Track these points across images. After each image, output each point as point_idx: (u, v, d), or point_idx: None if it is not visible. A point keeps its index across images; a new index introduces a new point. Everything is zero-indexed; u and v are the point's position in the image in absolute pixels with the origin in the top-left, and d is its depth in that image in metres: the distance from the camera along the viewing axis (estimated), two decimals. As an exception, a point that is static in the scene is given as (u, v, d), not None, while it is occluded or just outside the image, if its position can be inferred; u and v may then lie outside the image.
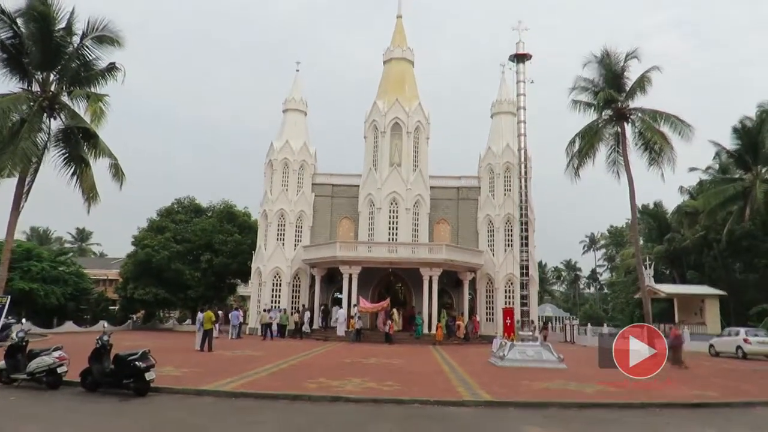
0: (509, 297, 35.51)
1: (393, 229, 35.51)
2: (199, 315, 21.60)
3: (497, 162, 37.20)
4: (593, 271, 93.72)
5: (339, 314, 31.69)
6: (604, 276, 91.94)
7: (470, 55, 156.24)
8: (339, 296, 34.26)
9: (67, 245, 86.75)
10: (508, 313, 19.26)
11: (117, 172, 23.34)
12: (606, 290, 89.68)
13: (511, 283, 35.54)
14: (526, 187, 19.68)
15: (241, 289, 51.34)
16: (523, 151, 19.73)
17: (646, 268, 39.66)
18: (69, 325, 33.22)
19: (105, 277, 57.84)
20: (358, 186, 37.41)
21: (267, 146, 38.56)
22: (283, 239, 37.00)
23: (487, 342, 32.81)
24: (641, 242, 57.28)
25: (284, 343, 28.20)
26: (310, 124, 41.18)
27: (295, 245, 36.95)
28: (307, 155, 38.47)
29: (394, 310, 31.92)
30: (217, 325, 30.45)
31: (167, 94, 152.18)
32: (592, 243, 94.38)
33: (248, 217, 43.06)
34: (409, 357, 20.63)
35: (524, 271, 19.21)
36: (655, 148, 29.05)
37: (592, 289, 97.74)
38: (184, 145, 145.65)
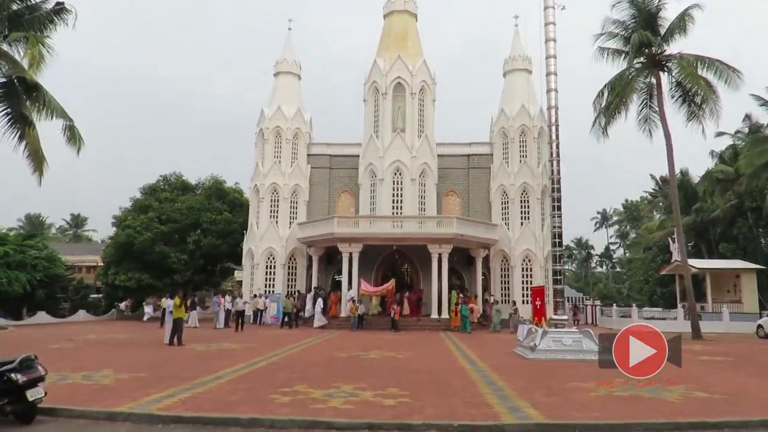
0: (527, 276, 32.01)
1: (397, 202, 31.91)
2: (168, 302, 18.13)
3: (511, 125, 33.36)
4: (607, 249, 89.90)
5: (318, 302, 28.08)
6: (617, 254, 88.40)
7: (479, 24, 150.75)
8: (339, 278, 30.90)
9: (65, 233, 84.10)
10: (538, 293, 15.77)
11: (72, 136, 19.87)
12: (618, 269, 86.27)
13: (529, 261, 32.02)
14: (557, 137, 16.01)
15: (240, 274, 48.09)
16: (554, 94, 16.04)
17: (673, 242, 36.13)
18: (41, 316, 30.02)
19: (95, 263, 54.89)
20: (358, 156, 33.75)
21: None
22: (277, 216, 33.52)
23: (503, 327, 29.53)
24: (663, 216, 53.56)
25: (277, 332, 24.93)
26: (308, 100, 37.50)
27: (290, 223, 33.47)
28: (302, 122, 34.77)
29: (372, 295, 28.60)
30: (194, 313, 27.37)
31: (166, 76, 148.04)
32: (604, 219, 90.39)
33: (240, 194, 39.58)
34: (417, 348, 17.24)
35: (557, 241, 15.64)
36: (696, 99, 25.38)
37: (604, 268, 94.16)
38: (186, 125, 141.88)
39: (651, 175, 65.41)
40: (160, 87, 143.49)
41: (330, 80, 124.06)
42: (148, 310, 33.80)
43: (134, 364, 12.56)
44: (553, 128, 15.97)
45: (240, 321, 25.36)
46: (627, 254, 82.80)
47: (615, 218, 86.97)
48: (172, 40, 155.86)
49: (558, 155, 15.96)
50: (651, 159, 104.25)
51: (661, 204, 61.90)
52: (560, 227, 15.74)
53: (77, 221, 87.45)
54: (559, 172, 15.91)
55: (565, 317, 15.14)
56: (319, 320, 26.93)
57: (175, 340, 17.15)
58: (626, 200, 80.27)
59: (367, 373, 11.34)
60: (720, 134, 42.62)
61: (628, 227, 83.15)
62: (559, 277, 15.50)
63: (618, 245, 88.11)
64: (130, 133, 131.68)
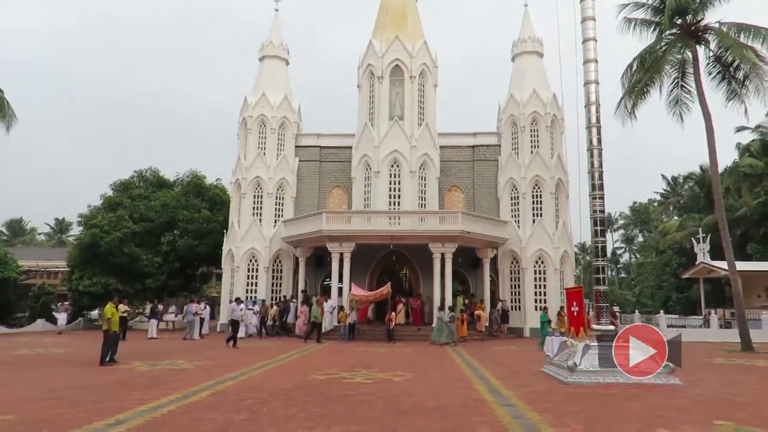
0: (539, 280, 28.51)
1: (394, 197, 28.43)
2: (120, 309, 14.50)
3: (521, 113, 29.94)
4: (613, 254, 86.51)
5: (241, 310, 23.57)
6: (623, 258, 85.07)
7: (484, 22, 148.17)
8: (329, 283, 27.39)
9: (52, 238, 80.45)
10: (574, 296, 12.22)
11: (1, 108, 16.66)
12: (623, 274, 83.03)
13: (542, 262, 28.52)
14: (597, 99, 12.55)
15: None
16: (593, 52, 12.62)
17: (699, 242, 32.80)
18: (-8, 326, 26.47)
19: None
20: (350, 148, 30.29)
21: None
22: (261, 214, 30.01)
23: (515, 336, 26.20)
24: (683, 216, 49.96)
25: (253, 344, 21.37)
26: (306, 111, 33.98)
27: (275, 221, 29.97)
28: (289, 111, 31.34)
29: (364, 300, 24.82)
30: (153, 322, 23.77)
31: (159, 84, 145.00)
32: (609, 224, 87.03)
33: (222, 192, 36.04)
34: (418, 366, 13.66)
35: (598, 229, 12.13)
36: (738, 75, 22.06)
37: (609, 273, 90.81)
38: (178, 129, 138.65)
39: (662, 175, 62.04)
40: (162, 96, 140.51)
41: (324, 82, 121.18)
42: (60, 319, 28.54)
43: (26, 395, 9.01)
44: (592, 86, 12.51)
45: (234, 334, 19.63)
46: (634, 259, 79.65)
47: (621, 222, 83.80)
48: (161, 46, 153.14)
49: (598, 121, 12.49)
50: (655, 160, 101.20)
51: (671, 207, 58.47)
52: (602, 211, 12.23)
53: (61, 226, 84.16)
54: (600, 142, 12.42)
55: (612, 327, 11.61)
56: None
57: (114, 356, 13.59)
58: (634, 202, 77.14)
59: (348, 412, 7.78)
60: (740, 129, 39.66)
61: (635, 231, 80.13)
62: (602, 276, 11.99)
63: (623, 250, 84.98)
64: (125, 138, 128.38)
